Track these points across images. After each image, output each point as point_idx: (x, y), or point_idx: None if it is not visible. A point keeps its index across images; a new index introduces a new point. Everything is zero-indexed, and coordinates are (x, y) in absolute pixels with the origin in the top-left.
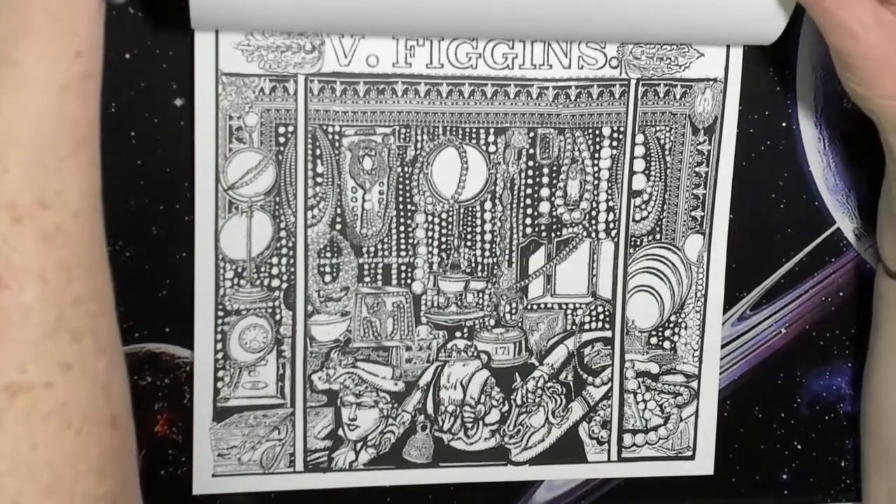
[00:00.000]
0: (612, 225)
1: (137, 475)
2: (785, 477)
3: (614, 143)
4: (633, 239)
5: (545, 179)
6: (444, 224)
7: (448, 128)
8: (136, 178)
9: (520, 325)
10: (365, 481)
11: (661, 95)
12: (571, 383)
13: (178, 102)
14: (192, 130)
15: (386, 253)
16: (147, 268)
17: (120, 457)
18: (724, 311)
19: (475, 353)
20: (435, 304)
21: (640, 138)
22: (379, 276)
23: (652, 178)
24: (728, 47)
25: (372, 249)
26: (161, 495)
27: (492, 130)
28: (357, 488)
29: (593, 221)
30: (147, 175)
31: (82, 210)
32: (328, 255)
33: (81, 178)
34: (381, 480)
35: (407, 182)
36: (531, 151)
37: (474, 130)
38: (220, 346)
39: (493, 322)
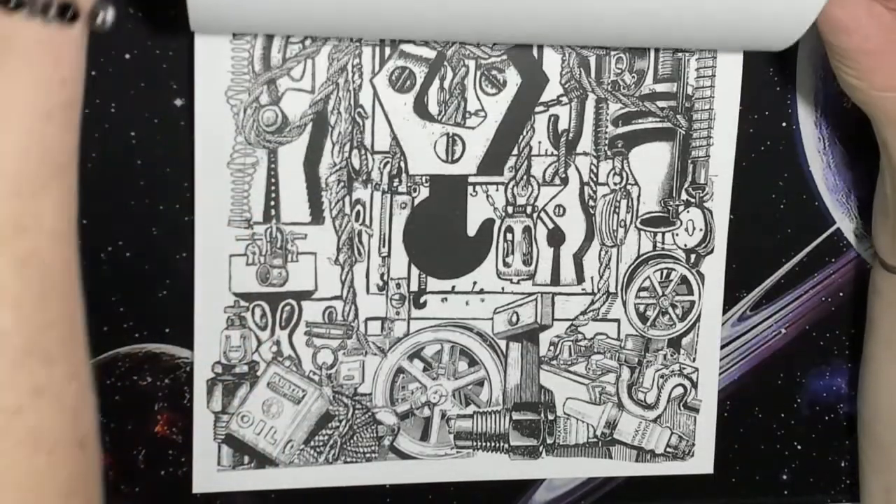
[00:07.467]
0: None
1: (102, 494)
2: (785, 477)
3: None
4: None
5: None
6: None
7: None
8: (136, 178)
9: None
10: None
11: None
12: None
13: (178, 102)
14: (192, 130)
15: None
16: (147, 268)
17: (87, 478)
18: (724, 312)
19: None
20: None
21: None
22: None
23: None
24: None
25: None
26: (161, 495)
27: None
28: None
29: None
30: (147, 175)
31: (58, 236)
32: None
33: (59, 204)
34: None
35: None
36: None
37: None
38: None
39: None
